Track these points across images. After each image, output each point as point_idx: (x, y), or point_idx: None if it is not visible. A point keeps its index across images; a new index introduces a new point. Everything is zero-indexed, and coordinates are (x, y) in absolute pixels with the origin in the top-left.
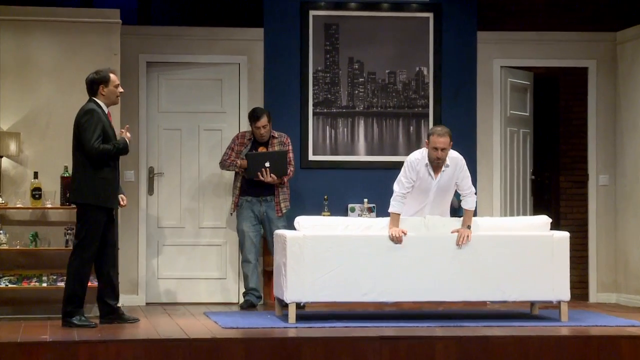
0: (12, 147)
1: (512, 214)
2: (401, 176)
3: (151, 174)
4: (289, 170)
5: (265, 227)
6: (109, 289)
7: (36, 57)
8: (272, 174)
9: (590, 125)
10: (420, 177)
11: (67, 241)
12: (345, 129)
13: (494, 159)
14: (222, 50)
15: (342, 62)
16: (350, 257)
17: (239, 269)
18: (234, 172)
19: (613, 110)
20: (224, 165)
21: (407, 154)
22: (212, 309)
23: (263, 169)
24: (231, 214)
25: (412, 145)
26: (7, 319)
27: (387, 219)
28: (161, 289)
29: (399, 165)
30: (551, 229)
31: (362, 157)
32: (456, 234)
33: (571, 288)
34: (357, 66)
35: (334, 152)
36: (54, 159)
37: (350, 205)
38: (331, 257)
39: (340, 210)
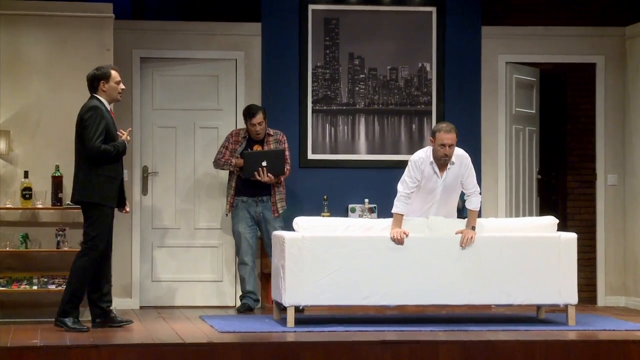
0: (2, 145)
1: (517, 215)
2: (405, 176)
3: (145, 173)
4: (285, 169)
5: (262, 228)
6: (105, 291)
7: (26, 52)
8: (269, 174)
9: (598, 123)
10: (426, 176)
11: (58, 243)
12: (346, 127)
13: (499, 158)
14: (218, 45)
15: (342, 57)
16: (350, 259)
17: (235, 272)
18: (228, 171)
19: (622, 107)
20: (217, 164)
21: (410, 152)
22: (208, 313)
23: (260, 169)
24: (226, 214)
25: (415, 143)
26: None
27: (388, 220)
28: (155, 292)
29: (400, 164)
30: (558, 230)
31: (363, 156)
32: (460, 235)
33: (579, 291)
34: (357, 62)
35: (334, 151)
36: (45, 158)
37: (350, 206)
38: (331, 259)
39: (341, 210)
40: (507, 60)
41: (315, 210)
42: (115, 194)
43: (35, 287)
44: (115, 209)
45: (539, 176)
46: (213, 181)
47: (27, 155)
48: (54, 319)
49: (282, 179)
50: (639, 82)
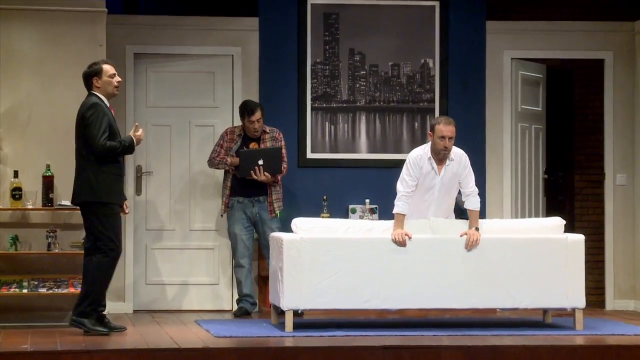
0: None
1: (523, 216)
2: (404, 174)
3: (139, 173)
4: (282, 167)
5: (259, 229)
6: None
7: (16, 48)
8: (265, 172)
9: (606, 120)
10: (424, 173)
11: (49, 244)
12: (346, 125)
13: (504, 157)
14: (214, 41)
15: (343, 53)
16: (351, 261)
17: (232, 274)
18: (223, 170)
19: (631, 104)
20: (212, 163)
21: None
22: (203, 317)
23: (256, 167)
24: (222, 215)
25: (417, 142)
26: None
27: (390, 221)
28: (149, 295)
29: (402, 164)
30: (565, 232)
31: (364, 155)
32: (464, 237)
33: (586, 294)
34: (358, 58)
35: (334, 150)
36: (35, 157)
37: (351, 206)
38: (331, 262)
39: (341, 211)
40: (512, 56)
41: (314, 211)
42: (122, 191)
43: (25, 291)
44: None
45: (546, 176)
46: (209, 181)
47: (17, 154)
48: (68, 322)
49: (279, 177)
50: None
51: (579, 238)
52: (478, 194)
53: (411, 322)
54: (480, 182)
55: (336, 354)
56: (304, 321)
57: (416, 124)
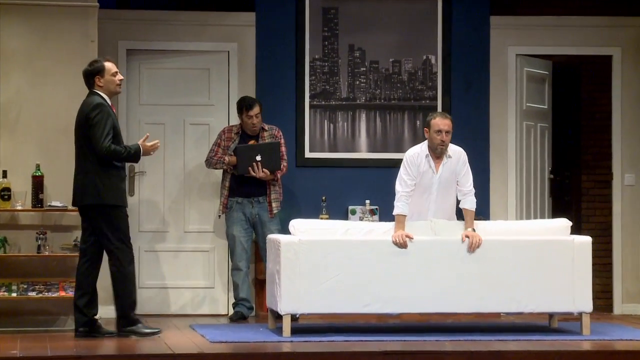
0: None
1: (528, 217)
2: (402, 174)
3: (132, 173)
4: (282, 165)
5: (258, 231)
6: (92, 298)
7: (5, 44)
8: (264, 169)
9: (614, 119)
10: (421, 171)
11: (39, 247)
12: (345, 124)
13: (509, 156)
14: (209, 36)
15: (342, 49)
16: (350, 264)
17: (228, 278)
18: (222, 170)
19: None
20: (210, 163)
21: None
22: (198, 321)
23: (254, 164)
24: (219, 216)
25: (419, 141)
26: None
27: (390, 223)
28: (142, 299)
29: None
30: (572, 233)
31: (364, 155)
32: (466, 240)
33: (594, 298)
34: (358, 54)
35: (333, 149)
36: (24, 156)
37: (350, 207)
38: (330, 264)
39: (340, 212)
40: (517, 52)
41: (313, 212)
42: (125, 194)
43: (14, 294)
44: None
45: (552, 176)
46: (204, 181)
47: (6, 154)
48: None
49: (278, 176)
50: None
51: (586, 240)
52: (475, 194)
53: (412, 326)
54: (484, 183)
55: (335, 359)
56: (302, 326)
57: (418, 123)
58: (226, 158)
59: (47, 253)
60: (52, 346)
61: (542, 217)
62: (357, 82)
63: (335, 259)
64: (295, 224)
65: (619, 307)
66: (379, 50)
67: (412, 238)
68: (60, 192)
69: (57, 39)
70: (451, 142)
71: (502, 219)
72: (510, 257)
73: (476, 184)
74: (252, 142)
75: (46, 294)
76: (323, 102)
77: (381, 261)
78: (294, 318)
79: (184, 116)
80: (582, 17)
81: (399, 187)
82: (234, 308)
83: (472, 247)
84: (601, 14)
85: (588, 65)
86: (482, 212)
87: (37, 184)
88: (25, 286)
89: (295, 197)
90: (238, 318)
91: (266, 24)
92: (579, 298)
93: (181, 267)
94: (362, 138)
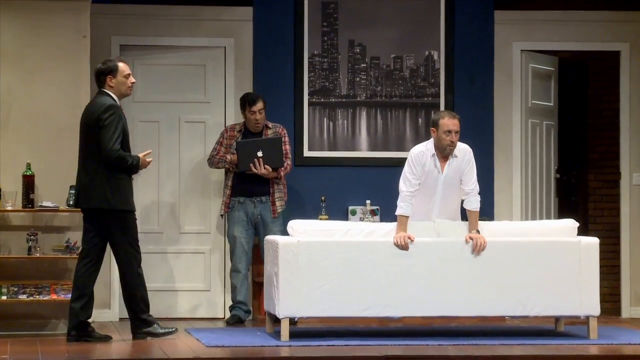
0: None
1: (534, 218)
2: (406, 172)
3: None
4: (285, 163)
5: (260, 232)
6: (89, 301)
7: None
8: (266, 165)
9: (622, 116)
10: (426, 171)
11: (29, 248)
12: (345, 121)
13: (514, 155)
14: (205, 32)
15: (342, 45)
16: (350, 266)
17: (224, 280)
18: (224, 169)
19: None
20: (212, 162)
21: None
22: (194, 325)
23: (256, 160)
24: (221, 215)
25: (421, 139)
26: None
27: (392, 224)
28: None
29: (405, 162)
30: (578, 235)
31: (364, 153)
32: (470, 242)
33: (601, 301)
34: (358, 50)
35: (333, 148)
36: (14, 156)
37: (350, 208)
38: (329, 266)
39: (340, 213)
40: (522, 48)
41: (312, 212)
42: (133, 196)
43: (4, 297)
44: None
45: (558, 175)
46: (200, 181)
47: None
48: (132, 335)
49: (282, 174)
50: None
51: (593, 241)
52: (479, 193)
53: (414, 330)
54: (489, 182)
55: None
56: (301, 330)
57: (420, 120)
58: (228, 156)
59: (38, 255)
60: (43, 350)
61: (548, 217)
62: (358, 79)
63: (335, 261)
64: (293, 225)
65: (627, 311)
66: (380, 45)
67: (413, 240)
68: (51, 192)
69: (48, 34)
70: None
71: (506, 219)
72: (515, 258)
73: (480, 184)
74: None
75: (37, 297)
76: (322, 100)
77: (382, 263)
78: (292, 322)
79: (179, 114)
80: (590, 11)
81: (403, 186)
82: (230, 311)
83: (477, 250)
84: (609, 9)
85: (595, 61)
86: (487, 212)
87: (28, 183)
88: (16, 289)
89: (294, 197)
90: (235, 322)
91: (264, 19)
92: (586, 301)
93: (176, 269)
94: (363, 136)
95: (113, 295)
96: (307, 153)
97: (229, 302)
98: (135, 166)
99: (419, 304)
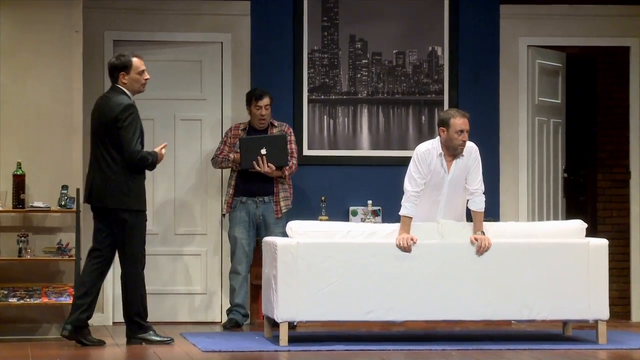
0: None
1: (541, 219)
2: (412, 171)
3: None
4: (290, 163)
5: (261, 234)
6: (94, 300)
7: None
8: (269, 163)
9: (632, 114)
10: (432, 170)
11: (20, 250)
12: (346, 119)
13: (520, 154)
14: (202, 27)
15: (342, 40)
16: (351, 268)
17: (221, 283)
18: (229, 169)
19: None
20: (216, 162)
21: None
22: (190, 330)
23: (259, 157)
24: (224, 215)
25: (424, 137)
26: None
27: (394, 225)
28: None
29: (408, 161)
30: (587, 236)
31: (366, 152)
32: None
33: (610, 305)
34: (359, 45)
35: (333, 146)
36: (4, 155)
37: (351, 208)
38: (329, 269)
39: (340, 213)
40: (529, 44)
41: (311, 213)
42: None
43: None
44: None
45: (565, 175)
46: (196, 181)
47: None
48: (128, 340)
49: (286, 173)
50: None
51: (602, 243)
52: (483, 193)
53: (417, 335)
54: (494, 182)
55: None
56: (300, 334)
57: (423, 118)
58: (231, 155)
59: (28, 257)
60: (34, 355)
61: (556, 218)
62: (359, 75)
63: (335, 263)
64: (293, 226)
65: (637, 314)
66: (381, 41)
67: (416, 242)
68: (42, 192)
69: (39, 29)
70: None
71: (512, 220)
72: (522, 261)
73: (486, 183)
74: None
75: (28, 300)
76: (322, 97)
77: (384, 265)
78: (291, 326)
79: (175, 111)
80: (598, 5)
81: (408, 185)
82: (227, 315)
83: (481, 251)
84: (618, 2)
85: (604, 57)
86: (492, 213)
87: (18, 183)
88: (6, 292)
89: (293, 197)
90: (232, 326)
91: (262, 14)
92: (594, 305)
93: (172, 272)
94: (364, 135)
95: (107, 298)
96: (306, 152)
97: (226, 305)
98: (155, 163)
99: (422, 307)
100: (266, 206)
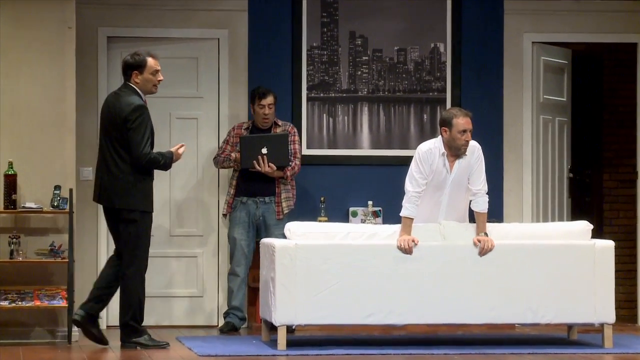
0: None
1: (545, 220)
2: (413, 171)
3: None
4: (293, 163)
5: (261, 235)
6: (108, 296)
7: None
8: (270, 163)
9: (639, 112)
10: (434, 170)
11: (11, 252)
12: (346, 118)
13: (524, 153)
14: (198, 23)
15: (342, 37)
16: (351, 270)
17: (218, 286)
18: (231, 169)
19: None
20: (217, 161)
21: None
22: (186, 333)
23: (259, 157)
24: (224, 215)
25: (426, 136)
26: None
27: (395, 226)
28: None
29: (409, 161)
30: (593, 237)
31: (366, 151)
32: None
33: (617, 308)
34: (359, 42)
35: (332, 145)
36: None
37: (351, 209)
38: (329, 271)
39: (340, 214)
40: (533, 40)
41: (310, 214)
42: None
43: None
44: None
45: (571, 174)
46: (192, 181)
47: None
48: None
49: (288, 173)
50: None
51: (609, 244)
52: (487, 194)
53: (419, 339)
54: (498, 182)
55: None
56: (299, 338)
57: (425, 116)
58: (233, 155)
59: (20, 259)
60: (26, 359)
61: (561, 219)
62: (359, 73)
63: (334, 265)
64: (291, 227)
65: None
66: (382, 37)
67: (417, 243)
68: (35, 193)
69: (30, 26)
70: None
71: (517, 221)
72: (526, 263)
73: (489, 184)
74: None
75: (20, 303)
76: (322, 94)
77: (385, 268)
78: (289, 329)
79: (170, 109)
80: (605, 1)
81: (409, 186)
82: (224, 318)
83: (484, 252)
84: None
85: (610, 54)
86: (495, 213)
87: (10, 183)
88: None
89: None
90: (229, 329)
91: (260, 9)
92: (600, 308)
93: (168, 274)
94: (364, 133)
95: None
96: (305, 151)
97: (223, 308)
98: (168, 164)
99: (424, 310)
100: (267, 207)
